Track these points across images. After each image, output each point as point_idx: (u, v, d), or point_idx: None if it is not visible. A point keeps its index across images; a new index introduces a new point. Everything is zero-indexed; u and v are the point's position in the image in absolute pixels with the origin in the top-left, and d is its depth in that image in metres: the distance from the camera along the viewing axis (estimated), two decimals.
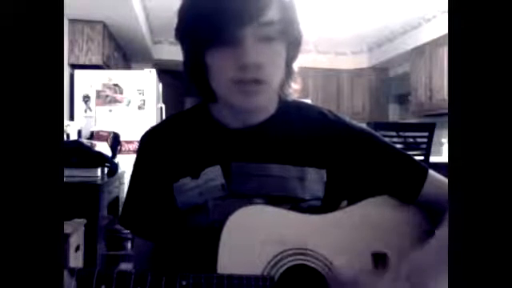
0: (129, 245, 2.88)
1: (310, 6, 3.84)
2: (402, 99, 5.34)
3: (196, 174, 0.74)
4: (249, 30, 0.64)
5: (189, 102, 5.29)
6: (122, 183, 3.15)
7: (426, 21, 4.48)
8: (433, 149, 2.87)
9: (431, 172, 0.78)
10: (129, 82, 3.67)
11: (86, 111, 3.62)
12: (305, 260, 0.69)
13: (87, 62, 3.63)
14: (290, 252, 0.68)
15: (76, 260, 1.94)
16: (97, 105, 3.63)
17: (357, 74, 5.77)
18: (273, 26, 0.66)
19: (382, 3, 4.06)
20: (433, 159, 2.95)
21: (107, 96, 3.64)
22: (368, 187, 0.78)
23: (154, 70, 3.79)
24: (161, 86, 4.06)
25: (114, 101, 3.65)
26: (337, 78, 5.79)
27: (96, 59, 3.64)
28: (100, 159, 2.60)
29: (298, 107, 0.81)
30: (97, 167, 2.54)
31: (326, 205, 0.76)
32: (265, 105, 0.75)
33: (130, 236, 2.79)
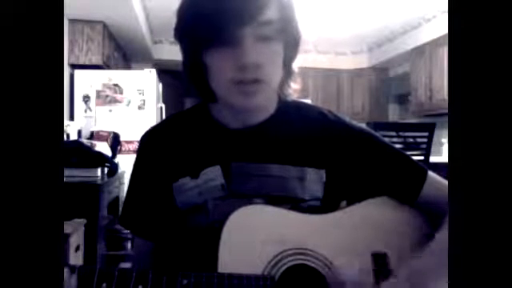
0: (129, 245, 2.88)
1: (310, 6, 3.84)
2: (402, 99, 5.34)
3: (196, 173, 0.74)
4: (248, 29, 0.64)
5: (189, 102, 5.28)
6: (122, 183, 3.15)
7: (426, 21, 4.48)
8: (433, 149, 2.87)
9: (431, 173, 0.78)
10: (129, 82, 3.67)
11: (85, 111, 3.62)
12: (305, 260, 0.69)
13: (87, 62, 3.63)
14: (290, 252, 0.68)
15: (76, 260, 1.94)
16: (97, 105, 3.63)
17: (357, 73, 5.76)
18: (271, 25, 0.66)
19: (381, 3, 4.06)
20: (433, 159, 2.94)
21: (107, 96, 3.64)
22: (367, 188, 0.78)
23: (153, 70, 3.79)
24: (161, 85, 4.06)
25: (114, 101, 3.65)
26: (337, 78, 5.79)
27: (96, 59, 3.63)
28: (100, 159, 2.60)
29: (298, 107, 0.81)
30: (97, 167, 2.54)
31: (326, 205, 0.76)
32: (264, 105, 0.75)
33: (130, 236, 2.79)
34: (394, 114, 5.73)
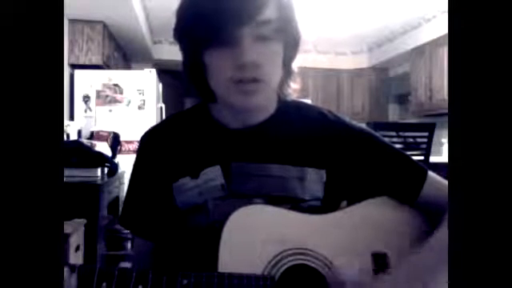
0: (129, 245, 2.88)
1: (310, 6, 3.84)
2: (402, 99, 5.34)
3: (196, 173, 0.75)
4: (246, 29, 0.64)
5: (189, 102, 5.28)
6: (122, 183, 3.15)
7: (426, 21, 4.48)
8: (433, 149, 2.87)
9: (431, 173, 0.78)
10: (129, 81, 3.67)
11: (85, 111, 3.62)
12: (305, 260, 0.69)
13: (87, 62, 3.63)
14: (290, 252, 0.68)
15: (76, 260, 1.94)
16: (97, 105, 3.63)
17: (357, 74, 5.76)
18: (270, 24, 0.66)
19: (381, 3, 4.06)
20: (433, 159, 2.94)
21: (107, 96, 3.64)
22: (367, 188, 0.78)
23: (153, 70, 3.79)
24: (161, 85, 4.06)
25: (114, 101, 3.65)
26: (337, 78, 5.79)
27: (96, 59, 3.64)
28: (100, 159, 2.60)
29: (298, 107, 0.81)
30: (97, 167, 2.54)
31: (326, 205, 0.76)
32: (264, 104, 0.75)
33: (129, 236, 2.79)
34: (394, 114, 5.73)
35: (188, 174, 0.75)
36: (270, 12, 0.66)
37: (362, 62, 5.79)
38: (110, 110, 3.64)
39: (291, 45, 0.73)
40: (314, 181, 0.76)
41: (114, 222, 2.81)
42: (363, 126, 0.86)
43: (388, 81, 5.67)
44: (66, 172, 2.33)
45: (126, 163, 3.13)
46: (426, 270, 0.67)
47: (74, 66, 3.65)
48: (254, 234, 0.67)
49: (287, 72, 0.75)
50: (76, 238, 1.94)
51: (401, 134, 2.84)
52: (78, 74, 3.64)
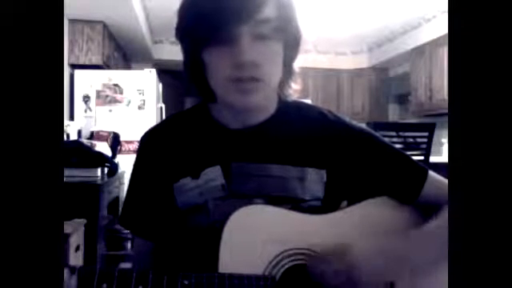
0: (129, 245, 2.88)
1: (310, 6, 3.84)
2: (402, 99, 5.34)
3: (196, 174, 0.74)
4: (245, 27, 0.64)
5: (189, 102, 5.29)
6: (122, 183, 3.15)
7: (426, 21, 4.48)
8: (433, 149, 2.87)
9: (431, 173, 0.78)
10: (129, 81, 3.67)
11: (85, 111, 3.62)
12: (305, 260, 0.69)
13: (87, 62, 3.63)
14: (291, 252, 0.68)
15: (76, 260, 1.94)
16: (97, 105, 3.63)
17: (357, 74, 5.76)
18: (269, 23, 0.66)
19: (381, 3, 4.06)
20: (433, 159, 2.94)
21: (107, 96, 3.64)
22: (368, 188, 0.78)
23: (153, 70, 3.79)
24: (161, 85, 4.06)
25: (114, 101, 3.65)
26: (337, 78, 5.79)
27: (96, 59, 3.64)
28: (100, 159, 2.60)
29: (298, 107, 0.81)
30: (97, 167, 2.54)
31: (326, 205, 0.76)
32: (263, 104, 0.75)
33: (129, 236, 2.79)
34: (394, 114, 5.73)
35: (188, 174, 0.75)
36: (269, 11, 0.66)
37: (362, 62, 5.79)
38: (110, 110, 3.64)
39: (291, 44, 0.73)
40: (314, 181, 0.76)
41: (114, 222, 2.82)
42: (363, 126, 0.86)
43: (388, 81, 5.67)
44: (66, 172, 2.33)
45: (126, 163, 3.13)
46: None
47: (74, 66, 3.65)
48: (255, 234, 0.67)
49: (288, 72, 0.75)
50: (76, 238, 1.94)
51: (401, 134, 2.84)
52: (78, 74, 3.64)
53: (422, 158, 2.78)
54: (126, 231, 2.67)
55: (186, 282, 0.60)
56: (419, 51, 4.60)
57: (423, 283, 0.71)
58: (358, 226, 0.73)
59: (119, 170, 2.99)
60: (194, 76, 0.73)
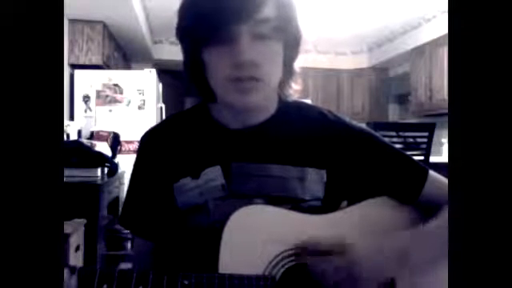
0: (129, 245, 2.88)
1: (310, 6, 3.84)
2: (402, 99, 5.33)
3: (196, 174, 0.74)
4: (244, 27, 0.64)
5: (189, 102, 5.29)
6: (122, 183, 3.15)
7: (426, 21, 4.48)
8: (433, 149, 2.87)
9: (431, 172, 0.78)
10: (129, 81, 3.67)
11: (86, 111, 3.62)
12: (305, 260, 0.69)
13: (87, 62, 3.63)
14: (291, 252, 0.68)
15: (76, 260, 1.94)
16: (97, 105, 3.63)
17: (357, 73, 5.76)
18: (269, 23, 0.66)
19: (381, 3, 4.06)
20: (433, 159, 2.94)
21: (107, 96, 3.64)
22: (368, 188, 0.78)
23: (153, 70, 3.79)
24: (161, 85, 4.06)
25: (114, 101, 3.65)
26: (337, 78, 5.79)
27: (96, 59, 3.64)
28: (100, 159, 2.60)
29: (298, 107, 0.81)
30: (97, 167, 2.54)
31: (326, 205, 0.76)
32: (263, 104, 0.75)
33: (129, 236, 2.79)
34: (393, 114, 5.73)
35: (189, 175, 0.75)
36: (268, 10, 0.66)
37: (362, 62, 5.79)
38: (110, 110, 3.64)
39: (291, 44, 0.73)
40: (314, 181, 0.76)
41: (114, 222, 2.82)
42: (363, 126, 0.86)
43: (388, 81, 5.67)
44: (66, 172, 2.32)
45: (126, 163, 3.13)
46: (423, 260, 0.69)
47: (74, 66, 3.65)
48: (255, 234, 0.67)
49: (288, 72, 0.75)
50: (76, 238, 1.94)
51: (401, 134, 2.84)
52: (78, 74, 3.64)
53: (422, 157, 2.78)
54: (126, 231, 2.67)
55: (186, 282, 0.60)
56: (419, 51, 4.60)
57: (423, 282, 0.72)
58: (357, 226, 0.73)
59: (119, 170, 2.99)
60: (194, 76, 0.73)
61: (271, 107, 0.78)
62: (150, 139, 0.81)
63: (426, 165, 0.79)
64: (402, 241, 0.71)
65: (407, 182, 0.77)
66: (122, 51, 4.62)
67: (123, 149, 3.43)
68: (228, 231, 0.66)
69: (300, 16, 0.73)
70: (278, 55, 0.70)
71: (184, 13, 0.70)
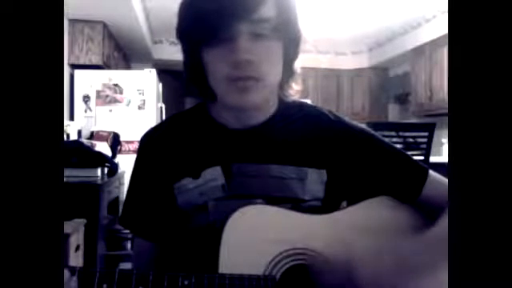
0: (129, 245, 2.88)
1: (310, 6, 3.84)
2: (402, 99, 5.34)
3: (196, 174, 0.74)
4: (243, 26, 0.64)
5: (189, 102, 5.29)
6: (121, 183, 3.15)
7: (426, 21, 4.48)
8: (433, 149, 2.87)
9: (431, 172, 0.78)
10: (129, 82, 3.67)
11: (86, 111, 3.62)
12: (305, 260, 0.69)
13: (87, 62, 3.63)
14: (291, 252, 0.68)
15: (76, 260, 1.94)
16: (97, 105, 3.63)
17: (357, 74, 5.76)
18: (268, 23, 0.66)
19: (381, 3, 4.06)
20: (433, 159, 2.94)
21: (107, 96, 3.64)
22: (368, 188, 0.78)
23: (153, 70, 3.79)
24: (161, 86, 4.06)
25: (114, 101, 3.65)
26: (337, 78, 5.79)
27: (96, 59, 3.64)
28: (100, 159, 2.60)
29: (298, 108, 0.81)
30: (97, 167, 2.54)
31: (327, 205, 0.76)
32: (262, 104, 0.75)
33: (129, 236, 2.79)
34: (393, 114, 5.73)
35: (189, 175, 0.75)
36: (267, 10, 0.66)
37: (362, 62, 5.79)
38: (110, 110, 3.64)
39: (291, 44, 0.72)
40: (314, 181, 0.76)
41: (114, 222, 2.82)
42: (363, 126, 0.86)
43: (388, 81, 5.67)
44: (66, 172, 2.33)
45: (126, 163, 3.14)
46: (424, 265, 0.68)
47: (73, 66, 3.65)
48: (255, 235, 0.67)
49: (288, 72, 0.75)
50: (76, 238, 1.94)
51: (401, 134, 2.84)
52: (78, 74, 3.64)
53: (421, 157, 2.78)
54: (126, 231, 2.67)
55: (186, 283, 0.60)
56: (419, 51, 4.60)
57: (423, 283, 0.71)
58: (357, 226, 0.73)
59: (119, 170, 2.99)
60: (194, 76, 0.73)
61: (271, 107, 0.78)
62: (150, 139, 0.81)
63: (426, 165, 0.79)
64: (402, 243, 0.71)
65: (407, 181, 0.77)
66: (122, 51, 4.62)
67: (123, 149, 3.43)
68: (228, 231, 0.66)
69: (300, 16, 0.73)
70: (278, 55, 0.70)
71: (183, 13, 0.70)
